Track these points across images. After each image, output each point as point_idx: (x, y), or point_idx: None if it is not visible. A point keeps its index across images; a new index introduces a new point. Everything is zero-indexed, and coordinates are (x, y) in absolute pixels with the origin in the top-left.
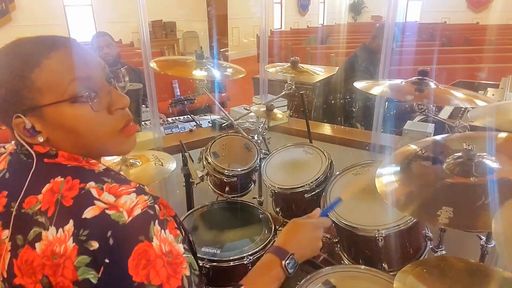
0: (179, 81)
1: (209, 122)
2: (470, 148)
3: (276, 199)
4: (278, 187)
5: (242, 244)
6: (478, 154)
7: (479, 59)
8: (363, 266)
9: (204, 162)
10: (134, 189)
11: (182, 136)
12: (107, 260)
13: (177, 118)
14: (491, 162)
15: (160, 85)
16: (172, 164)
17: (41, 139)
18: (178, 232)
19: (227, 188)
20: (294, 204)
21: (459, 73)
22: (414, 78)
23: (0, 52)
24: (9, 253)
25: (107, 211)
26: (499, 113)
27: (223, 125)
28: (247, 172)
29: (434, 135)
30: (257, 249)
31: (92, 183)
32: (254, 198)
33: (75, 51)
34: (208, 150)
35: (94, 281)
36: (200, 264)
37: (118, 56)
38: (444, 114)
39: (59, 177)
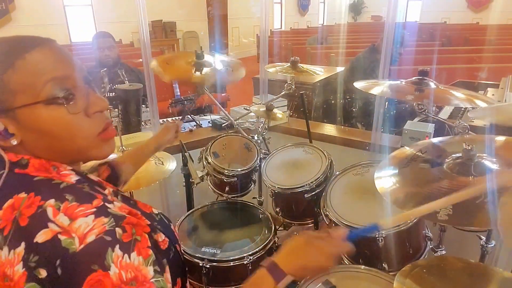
0: (179, 81)
1: (209, 122)
2: (470, 148)
3: (276, 199)
4: (278, 187)
5: (242, 244)
6: (477, 154)
7: (479, 59)
8: (363, 266)
9: (204, 162)
10: (94, 209)
11: (182, 136)
12: None
13: (177, 118)
14: (490, 162)
15: (160, 85)
16: (172, 164)
17: (14, 142)
18: (150, 252)
19: (227, 188)
20: (294, 204)
21: (459, 73)
22: (414, 78)
23: None
24: None
25: (59, 236)
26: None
27: (223, 125)
28: (247, 172)
29: (434, 135)
30: (257, 249)
31: (51, 201)
32: (254, 198)
33: (52, 51)
34: (208, 150)
35: None
36: (200, 264)
37: (118, 58)
38: (444, 114)
39: (23, 192)
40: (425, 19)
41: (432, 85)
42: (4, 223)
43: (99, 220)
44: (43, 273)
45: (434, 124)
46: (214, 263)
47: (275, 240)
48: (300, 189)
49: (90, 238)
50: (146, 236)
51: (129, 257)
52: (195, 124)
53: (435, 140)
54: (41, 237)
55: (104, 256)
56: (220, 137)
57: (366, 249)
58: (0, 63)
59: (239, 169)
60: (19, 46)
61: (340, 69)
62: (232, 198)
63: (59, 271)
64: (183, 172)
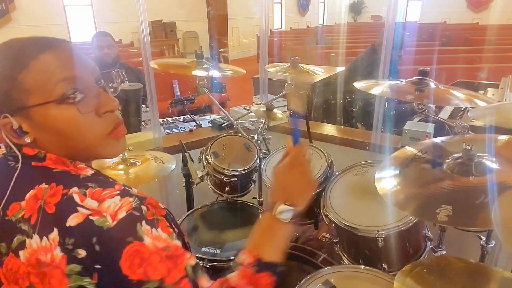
0: (179, 81)
1: (209, 122)
2: (470, 148)
3: None
4: None
5: (242, 244)
6: (478, 154)
7: (479, 59)
8: (363, 266)
9: (204, 162)
10: (118, 192)
11: (182, 136)
12: (98, 266)
13: (177, 118)
14: (490, 162)
15: (160, 85)
16: (172, 164)
17: (28, 140)
18: (171, 230)
19: (227, 188)
20: None
21: (459, 73)
22: (414, 78)
23: None
24: None
25: (90, 217)
26: (499, 113)
27: (223, 125)
28: (247, 172)
29: (434, 135)
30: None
31: (75, 189)
32: (254, 198)
33: (65, 52)
34: (208, 150)
35: (90, 287)
36: (200, 264)
37: (118, 57)
38: (444, 114)
39: (44, 183)
40: (425, 19)
41: (432, 85)
42: (29, 212)
43: (126, 199)
44: (82, 253)
45: (434, 124)
46: (214, 263)
47: None
48: None
49: (121, 214)
50: (164, 218)
51: (157, 231)
52: (195, 124)
53: (436, 140)
54: (73, 220)
55: (135, 229)
56: (220, 137)
57: (366, 249)
58: (16, 63)
59: (239, 169)
60: (34, 47)
61: (340, 69)
62: (232, 198)
63: (97, 247)
64: (183, 172)
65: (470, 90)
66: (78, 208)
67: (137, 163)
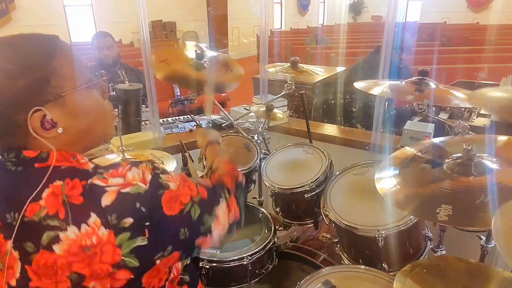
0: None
1: (209, 122)
2: (470, 148)
3: (276, 199)
4: (278, 187)
5: (242, 244)
6: (478, 154)
7: (479, 59)
8: (363, 266)
9: (204, 162)
10: (130, 165)
11: (182, 136)
12: (147, 223)
13: (177, 118)
14: (490, 162)
15: (160, 85)
16: (172, 164)
17: (60, 130)
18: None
19: None
20: (294, 204)
21: (459, 73)
22: (414, 78)
23: (12, 43)
24: (19, 261)
25: (122, 190)
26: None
27: (223, 125)
28: (247, 172)
29: (434, 135)
30: (257, 249)
31: (92, 179)
32: (254, 198)
33: (70, 46)
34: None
35: (144, 243)
36: (200, 265)
37: (118, 57)
38: (444, 114)
39: (57, 180)
40: (425, 19)
41: (432, 85)
42: (53, 208)
43: (142, 166)
44: (128, 221)
45: (434, 124)
46: (214, 264)
47: (275, 240)
48: (300, 189)
49: (148, 177)
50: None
51: (170, 174)
52: (195, 124)
53: (435, 140)
54: (107, 200)
55: (160, 183)
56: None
57: (366, 249)
58: (47, 51)
59: (239, 169)
60: (53, 36)
61: (340, 69)
62: None
63: (143, 209)
64: (183, 172)
65: (471, 90)
66: (106, 188)
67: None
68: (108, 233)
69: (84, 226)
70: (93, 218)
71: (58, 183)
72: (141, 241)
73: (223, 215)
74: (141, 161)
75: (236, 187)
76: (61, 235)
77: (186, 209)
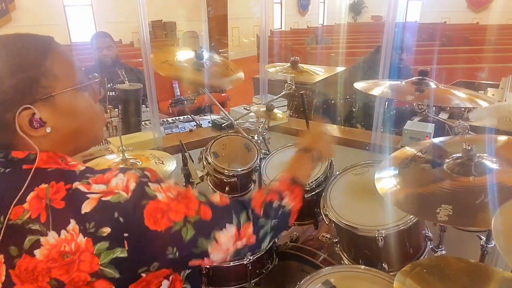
0: (179, 81)
1: (209, 122)
2: (470, 148)
3: None
4: None
5: None
6: (477, 154)
7: (479, 59)
8: (363, 266)
9: (204, 162)
10: (118, 170)
11: (182, 136)
12: (126, 234)
13: (177, 118)
14: (490, 162)
15: (160, 85)
16: (172, 164)
17: (48, 130)
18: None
19: (227, 188)
20: None
21: (459, 73)
22: (414, 78)
23: (6, 42)
24: (4, 264)
25: (103, 199)
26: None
27: (223, 125)
28: (247, 172)
29: (434, 135)
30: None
31: (77, 183)
32: None
33: (64, 47)
34: (208, 150)
35: (124, 255)
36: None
37: (117, 57)
38: (444, 114)
39: (43, 184)
40: (425, 19)
41: (432, 85)
42: (36, 212)
43: (129, 173)
44: (106, 231)
45: (434, 124)
46: (214, 264)
47: (275, 240)
48: None
49: (132, 185)
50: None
51: (164, 184)
52: (195, 124)
53: (435, 140)
54: (87, 207)
55: (147, 192)
56: (220, 137)
57: (366, 249)
58: (40, 51)
59: (239, 169)
60: (48, 37)
61: (340, 69)
62: (232, 198)
63: (121, 219)
64: (183, 172)
65: (470, 90)
66: (88, 195)
67: (138, 163)
68: (86, 240)
69: (63, 232)
70: (72, 224)
71: (43, 186)
72: (120, 253)
73: (226, 241)
74: (131, 168)
75: (265, 212)
76: (42, 239)
77: (175, 228)
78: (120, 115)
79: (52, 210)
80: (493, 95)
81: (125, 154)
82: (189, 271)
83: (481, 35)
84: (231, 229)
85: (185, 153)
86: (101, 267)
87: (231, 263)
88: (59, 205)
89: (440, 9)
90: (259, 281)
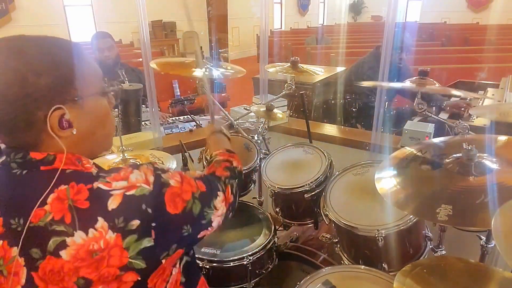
0: (179, 81)
1: (209, 122)
2: (470, 148)
3: (276, 199)
4: (278, 187)
5: (242, 244)
6: (478, 154)
7: (479, 59)
8: (363, 266)
9: (204, 162)
10: (131, 168)
11: (182, 136)
12: (153, 224)
13: (177, 118)
14: (490, 162)
15: (160, 85)
16: (172, 164)
17: (74, 131)
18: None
19: None
20: (294, 204)
21: (459, 73)
22: (414, 78)
23: (38, 41)
24: (24, 267)
25: (127, 193)
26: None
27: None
28: (247, 172)
29: (434, 135)
30: (257, 250)
31: (96, 183)
32: (254, 198)
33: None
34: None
35: (151, 244)
36: (200, 265)
37: (118, 58)
38: (444, 114)
39: (62, 185)
40: (425, 19)
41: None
42: (59, 213)
43: (143, 168)
44: (135, 223)
45: (434, 124)
46: (214, 264)
47: (275, 240)
48: (300, 189)
49: (151, 178)
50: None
51: (169, 172)
52: (195, 124)
53: (435, 140)
54: (113, 203)
55: (163, 181)
56: None
57: (366, 249)
58: (73, 55)
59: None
60: (74, 42)
61: (340, 69)
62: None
63: (149, 210)
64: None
65: (470, 90)
66: (111, 192)
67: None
68: (115, 236)
69: (91, 231)
70: (101, 222)
71: (63, 187)
72: (147, 242)
73: (221, 206)
74: (141, 163)
75: (230, 174)
76: (68, 240)
77: (188, 206)
78: (120, 115)
79: (77, 210)
80: (493, 95)
81: (125, 154)
82: (184, 261)
83: (481, 35)
84: (221, 195)
85: (185, 153)
86: (130, 259)
87: (231, 263)
88: (84, 205)
89: (440, 9)
90: (259, 281)
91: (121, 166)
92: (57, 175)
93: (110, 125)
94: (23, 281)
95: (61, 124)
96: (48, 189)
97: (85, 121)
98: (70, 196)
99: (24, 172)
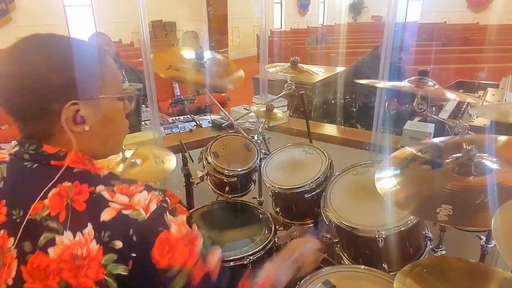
0: (181, 82)
1: (209, 122)
2: (470, 148)
3: (276, 199)
4: (278, 187)
5: (242, 244)
6: (478, 154)
7: (479, 59)
8: (363, 266)
9: (204, 162)
10: (143, 187)
11: (182, 136)
12: (134, 254)
13: (177, 118)
14: (490, 162)
15: (160, 85)
16: (172, 161)
17: (87, 128)
18: (186, 211)
19: (227, 188)
20: (294, 204)
21: (459, 73)
22: (414, 77)
23: (67, 39)
24: (16, 260)
25: (123, 212)
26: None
27: (223, 125)
28: (247, 172)
29: (434, 135)
30: (257, 249)
31: (101, 187)
32: (254, 198)
33: None
34: (208, 150)
35: (125, 273)
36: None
37: (117, 57)
38: (444, 114)
39: (66, 181)
40: (425, 19)
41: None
42: (56, 210)
43: (152, 193)
44: (118, 244)
45: (434, 124)
46: None
47: (275, 240)
48: (300, 189)
49: (152, 207)
50: (179, 203)
51: (177, 218)
52: (195, 124)
53: (435, 140)
54: (107, 215)
55: (164, 220)
56: (220, 137)
57: (366, 249)
58: (97, 56)
59: (239, 169)
60: (102, 48)
61: (340, 69)
62: (232, 198)
63: (134, 238)
64: (183, 172)
65: (470, 90)
66: (110, 203)
67: (138, 162)
68: (98, 248)
69: (79, 235)
70: (89, 229)
71: (66, 184)
72: (122, 271)
73: None
74: (156, 188)
75: None
76: (57, 238)
77: (171, 272)
78: None
79: (73, 210)
80: (493, 95)
81: (125, 154)
82: None
83: (481, 35)
84: None
85: (185, 153)
86: (105, 277)
87: (232, 263)
88: (81, 207)
89: (440, 9)
90: None
91: (138, 181)
92: (62, 171)
93: (122, 130)
94: (13, 273)
95: (75, 119)
96: (51, 183)
97: (99, 120)
98: (71, 195)
99: (35, 165)
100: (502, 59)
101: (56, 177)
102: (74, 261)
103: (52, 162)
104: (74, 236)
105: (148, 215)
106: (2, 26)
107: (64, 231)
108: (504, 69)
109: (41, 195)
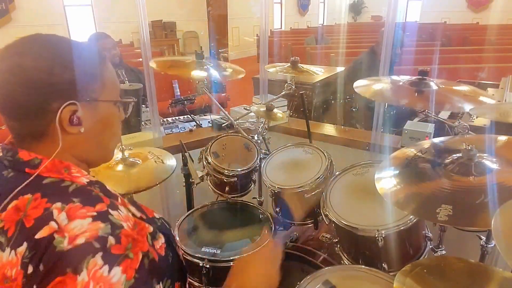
0: (179, 81)
1: (209, 122)
2: (470, 148)
3: (276, 199)
4: (278, 187)
5: (242, 244)
6: (478, 154)
7: (479, 59)
8: (363, 266)
9: (204, 162)
10: (95, 213)
11: (182, 136)
12: (34, 287)
13: (177, 118)
14: (490, 162)
15: (160, 85)
16: (172, 161)
17: (82, 130)
18: (134, 275)
19: (227, 188)
20: (294, 204)
21: (459, 73)
22: (414, 78)
23: (70, 41)
24: None
25: (54, 235)
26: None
27: (223, 125)
28: (247, 172)
29: (434, 135)
30: (257, 249)
31: (58, 204)
32: (254, 198)
33: None
34: (208, 150)
35: None
36: (200, 264)
37: (121, 57)
38: (444, 114)
39: (29, 194)
40: (425, 19)
41: (433, 85)
42: (8, 224)
43: (95, 224)
44: (30, 269)
45: (434, 124)
46: (214, 263)
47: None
48: (300, 189)
49: (80, 240)
50: (140, 257)
51: (109, 271)
52: (195, 124)
53: (435, 140)
54: (41, 233)
55: (82, 261)
56: (220, 137)
57: (366, 249)
58: (97, 59)
59: (239, 169)
60: (103, 53)
61: (340, 69)
62: (232, 198)
63: (41, 267)
64: (183, 172)
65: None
66: (51, 222)
67: (138, 162)
68: (19, 271)
69: (12, 253)
70: (23, 248)
71: (27, 196)
72: None
73: None
74: (109, 220)
75: None
76: None
77: None
78: None
79: (22, 226)
80: (493, 95)
81: (125, 153)
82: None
83: (481, 35)
84: None
85: (185, 153)
86: None
87: (231, 263)
88: (29, 223)
89: (440, 9)
90: None
91: (104, 199)
92: (28, 181)
93: (115, 136)
94: None
95: (72, 119)
96: (11, 195)
97: (95, 125)
98: (27, 209)
99: (11, 174)
100: (502, 59)
101: (18, 189)
102: (5, 283)
103: (26, 170)
104: (10, 254)
105: (69, 247)
106: (2, 26)
107: (6, 247)
108: (504, 69)
109: (1, 206)
